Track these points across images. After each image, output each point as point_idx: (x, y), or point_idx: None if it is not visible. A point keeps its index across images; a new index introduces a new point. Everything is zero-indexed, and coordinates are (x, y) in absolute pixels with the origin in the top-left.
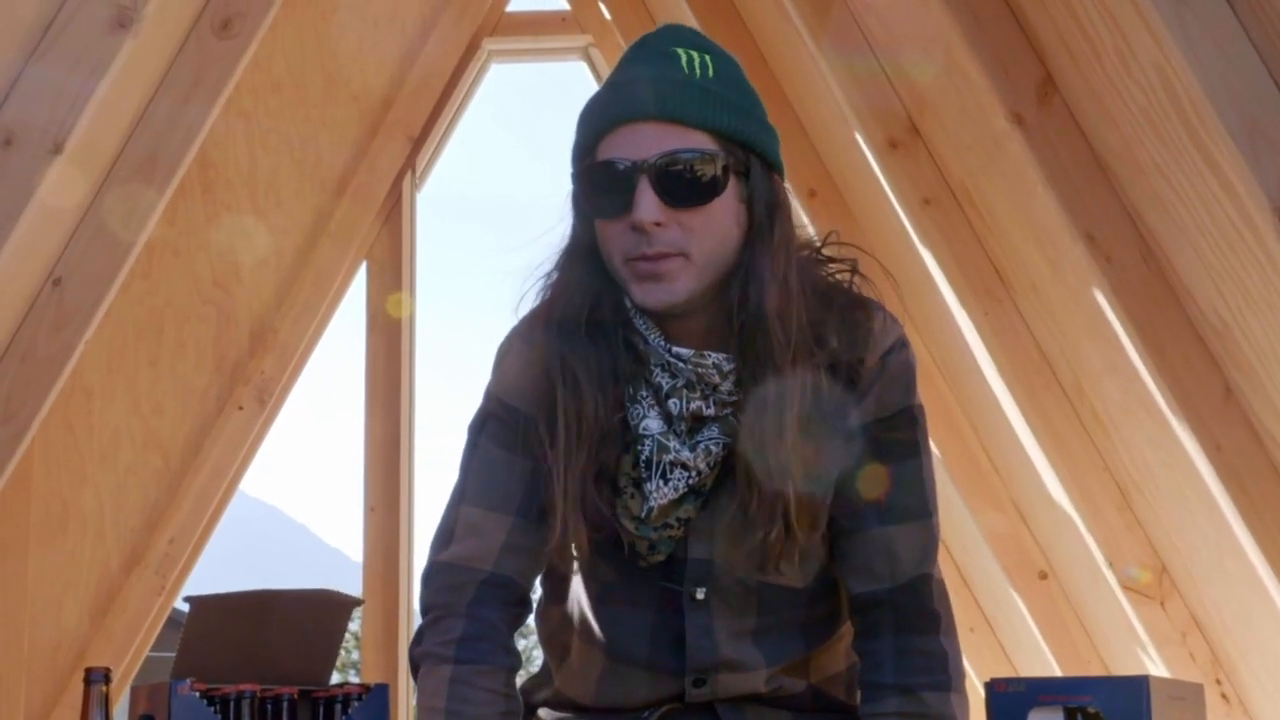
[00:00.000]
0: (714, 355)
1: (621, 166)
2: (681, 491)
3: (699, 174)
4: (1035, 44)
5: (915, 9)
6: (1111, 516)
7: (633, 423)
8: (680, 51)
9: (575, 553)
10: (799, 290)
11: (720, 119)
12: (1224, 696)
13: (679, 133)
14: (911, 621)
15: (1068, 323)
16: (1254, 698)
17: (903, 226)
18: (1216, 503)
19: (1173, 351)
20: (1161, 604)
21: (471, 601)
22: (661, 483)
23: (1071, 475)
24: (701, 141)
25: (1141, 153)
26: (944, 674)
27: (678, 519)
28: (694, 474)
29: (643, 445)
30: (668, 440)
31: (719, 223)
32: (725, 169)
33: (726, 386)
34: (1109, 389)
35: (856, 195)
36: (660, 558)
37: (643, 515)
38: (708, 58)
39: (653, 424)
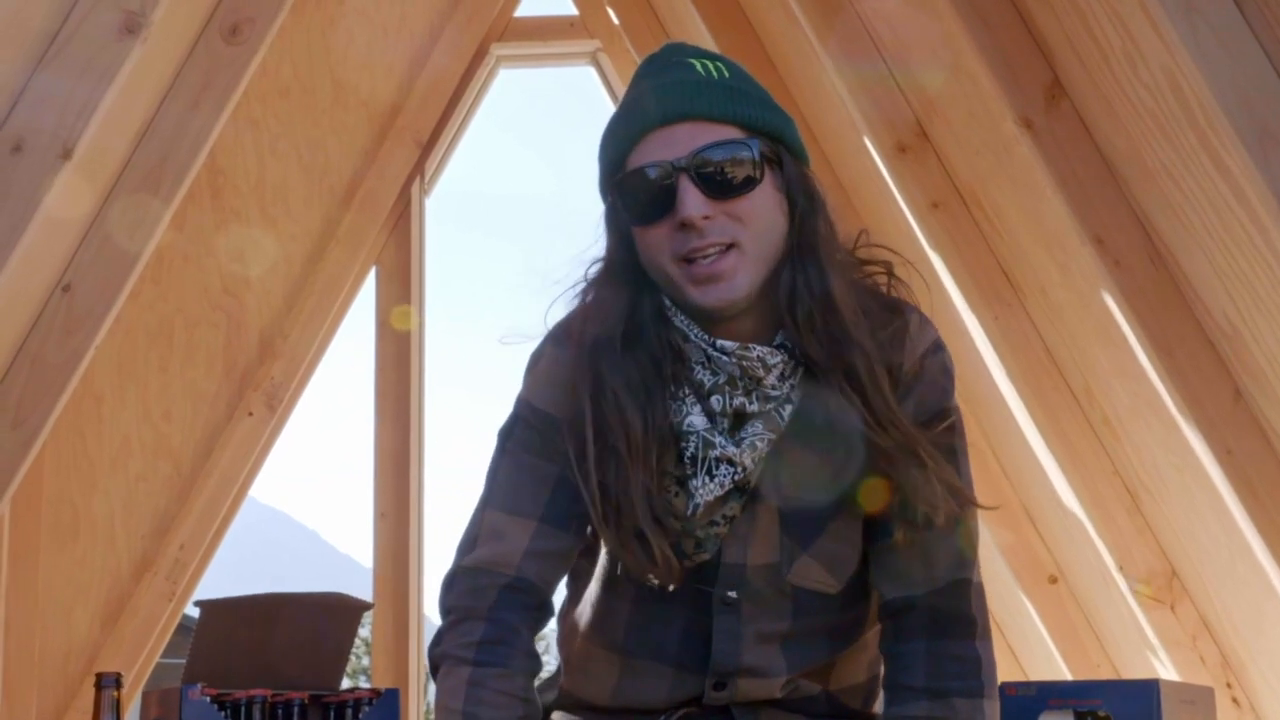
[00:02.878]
0: (759, 348)
1: (658, 169)
2: (727, 487)
3: (737, 164)
4: (1044, 48)
5: (924, 14)
6: (1121, 520)
7: (675, 420)
8: (691, 60)
9: (651, 561)
10: (847, 278)
11: (746, 111)
12: (1234, 700)
13: (709, 128)
14: (947, 626)
15: (1077, 326)
16: (1264, 701)
17: (911, 231)
18: (1226, 506)
19: (1182, 355)
20: (1171, 607)
21: (493, 605)
22: (708, 479)
23: (1081, 479)
24: (733, 133)
25: (1150, 156)
26: (976, 679)
27: (723, 516)
28: (740, 470)
29: (687, 442)
30: (713, 436)
31: (765, 210)
32: (761, 157)
33: (771, 380)
34: (1118, 392)
35: (865, 200)
36: (706, 556)
37: (689, 513)
38: (719, 63)
39: (697, 420)
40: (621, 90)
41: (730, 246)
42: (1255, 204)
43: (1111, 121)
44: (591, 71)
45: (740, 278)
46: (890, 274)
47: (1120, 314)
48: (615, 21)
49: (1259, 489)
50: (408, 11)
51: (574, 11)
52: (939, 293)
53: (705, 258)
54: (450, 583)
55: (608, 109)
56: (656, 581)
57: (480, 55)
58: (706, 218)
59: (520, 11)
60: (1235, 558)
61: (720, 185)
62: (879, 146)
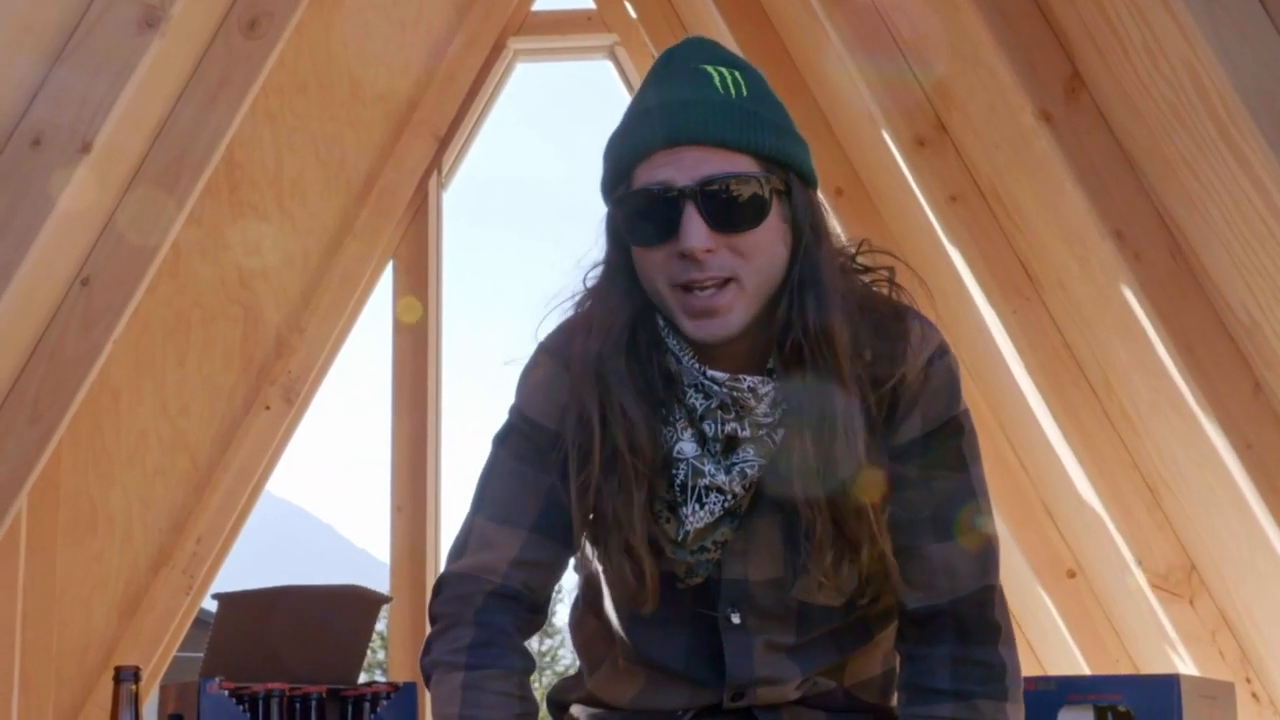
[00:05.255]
0: (749, 379)
1: (666, 192)
2: (717, 515)
3: (746, 197)
4: (1063, 41)
5: (943, 6)
6: (1140, 515)
7: (666, 445)
8: (711, 70)
9: (638, 579)
10: (846, 305)
11: (762, 141)
12: (1254, 695)
13: (722, 156)
14: (972, 632)
15: (1096, 320)
16: None
17: (930, 224)
18: (1246, 500)
19: (1202, 349)
20: (1190, 602)
21: (480, 609)
22: (697, 506)
23: (1100, 473)
24: (745, 164)
25: (1170, 149)
26: (1001, 684)
27: (714, 542)
28: (729, 497)
29: (677, 469)
30: (702, 464)
31: (768, 245)
32: (770, 190)
33: (762, 409)
34: (1138, 387)
35: (883, 193)
36: (698, 580)
37: (679, 539)
38: (738, 74)
39: (687, 447)
40: (639, 85)
41: (729, 280)
42: (1275, 196)
43: (1131, 114)
44: (609, 65)
45: (736, 314)
46: (892, 280)
47: (1139, 308)
48: (633, 15)
49: (1279, 483)
50: (425, 5)
51: (591, 5)
52: (957, 287)
53: (703, 290)
54: (437, 589)
55: (625, 103)
56: (636, 607)
57: (498, 49)
58: (708, 250)
59: (537, 5)
60: (1255, 552)
61: (725, 217)
62: (897, 140)
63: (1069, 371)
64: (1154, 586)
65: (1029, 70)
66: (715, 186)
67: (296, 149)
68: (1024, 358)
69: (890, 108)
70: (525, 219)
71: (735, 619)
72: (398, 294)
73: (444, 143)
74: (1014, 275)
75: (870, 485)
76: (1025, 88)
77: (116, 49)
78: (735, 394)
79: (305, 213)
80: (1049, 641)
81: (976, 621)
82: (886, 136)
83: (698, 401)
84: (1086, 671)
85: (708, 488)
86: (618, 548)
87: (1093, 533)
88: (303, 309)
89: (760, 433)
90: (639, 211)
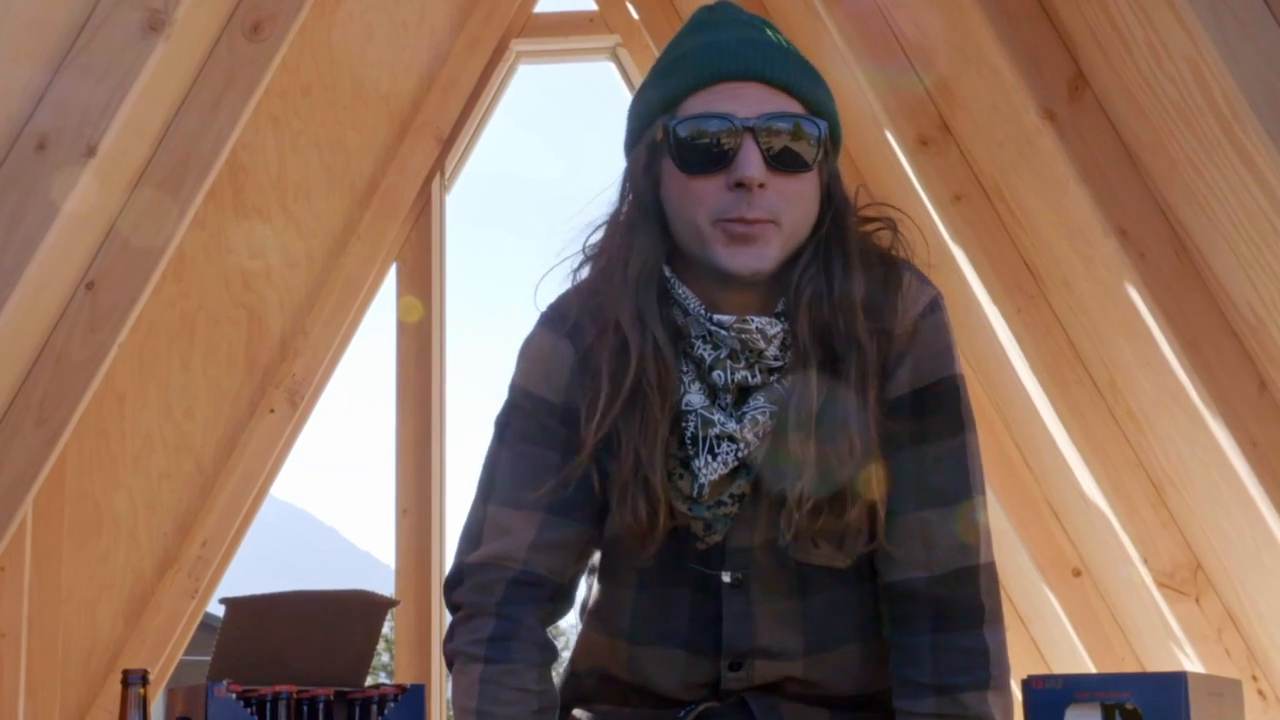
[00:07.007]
0: (757, 320)
1: (724, 122)
2: (731, 465)
3: (803, 142)
4: (1066, 39)
5: (945, 6)
6: (1145, 513)
7: (674, 398)
8: (761, 25)
9: (631, 536)
10: (865, 273)
11: (816, 93)
12: (1260, 693)
13: (783, 99)
14: (951, 617)
15: (1100, 318)
16: None
17: (934, 224)
18: (1252, 498)
19: (1207, 346)
20: (1196, 600)
21: (501, 600)
22: (710, 458)
23: (1105, 471)
24: (801, 110)
25: (1174, 147)
26: (984, 671)
27: (731, 495)
28: (742, 446)
29: (687, 422)
30: (711, 414)
31: (808, 196)
32: (822, 143)
33: (772, 351)
34: (1142, 385)
35: (887, 192)
36: (718, 537)
37: (694, 494)
38: (782, 37)
39: (695, 398)
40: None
41: (770, 222)
42: None
43: (1135, 112)
44: (611, 66)
45: (771, 251)
46: (894, 230)
47: (1144, 305)
48: (635, 16)
49: None
50: (427, 7)
51: (593, 7)
52: (961, 285)
53: (746, 223)
54: (457, 579)
55: (627, 103)
56: (639, 549)
57: (500, 51)
58: (762, 185)
59: (540, 7)
60: (1261, 549)
61: (781, 158)
62: (900, 140)
63: (1073, 370)
64: (1160, 585)
65: (1032, 69)
66: (778, 125)
67: (300, 151)
68: (1028, 356)
69: (893, 108)
70: (528, 219)
71: (728, 579)
72: (400, 296)
73: (447, 144)
74: (1018, 274)
75: (874, 452)
76: (1029, 86)
77: (121, 53)
78: (744, 336)
79: (309, 215)
80: (1054, 640)
81: (956, 604)
82: (890, 136)
83: (706, 352)
84: (1092, 670)
85: (719, 437)
86: (631, 486)
87: (1098, 531)
88: (307, 311)
89: (770, 379)
90: (693, 137)
